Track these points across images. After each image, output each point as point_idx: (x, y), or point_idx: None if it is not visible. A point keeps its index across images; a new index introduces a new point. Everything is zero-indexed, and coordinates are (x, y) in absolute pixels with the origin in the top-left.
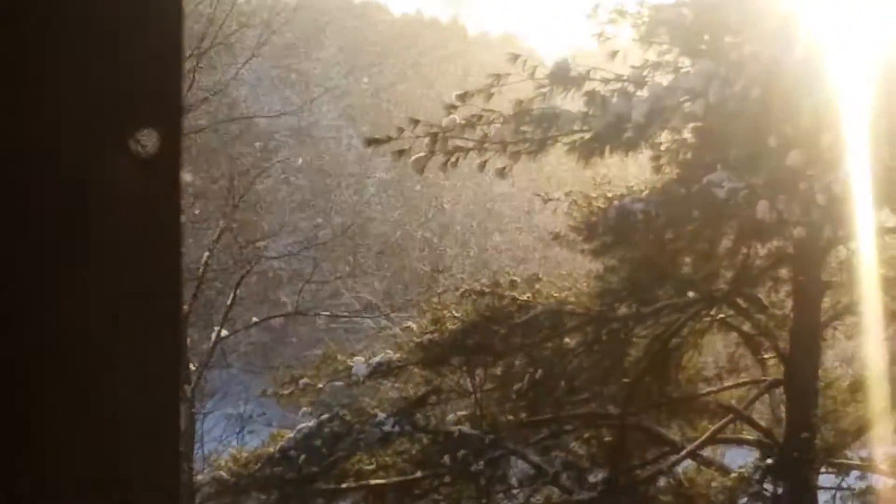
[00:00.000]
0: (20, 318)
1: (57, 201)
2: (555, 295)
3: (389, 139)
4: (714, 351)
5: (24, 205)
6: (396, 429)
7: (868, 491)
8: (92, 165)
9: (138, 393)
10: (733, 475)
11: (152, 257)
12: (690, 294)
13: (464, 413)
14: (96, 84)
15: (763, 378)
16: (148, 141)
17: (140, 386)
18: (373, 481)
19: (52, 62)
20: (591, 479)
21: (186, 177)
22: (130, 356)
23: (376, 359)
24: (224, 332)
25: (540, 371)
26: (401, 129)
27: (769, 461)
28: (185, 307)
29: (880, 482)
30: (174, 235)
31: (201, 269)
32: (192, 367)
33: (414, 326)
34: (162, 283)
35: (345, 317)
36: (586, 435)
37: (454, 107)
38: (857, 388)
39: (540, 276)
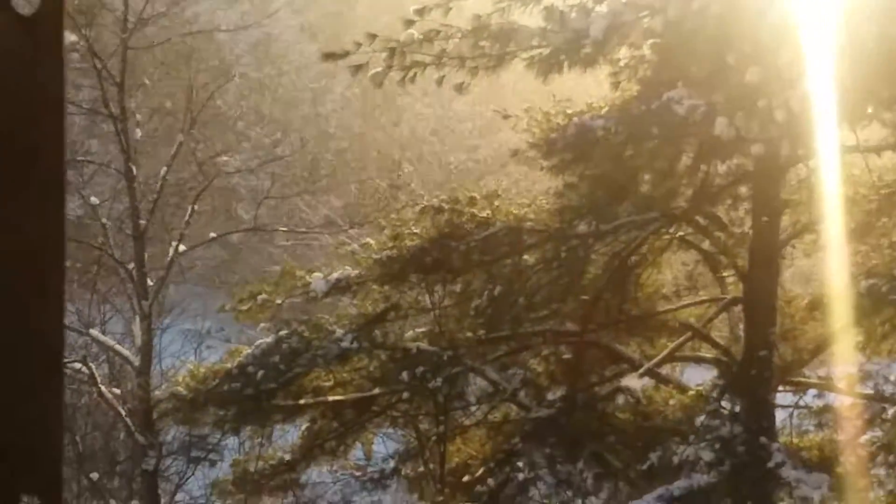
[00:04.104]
0: None
1: None
2: (514, 212)
3: (346, 54)
4: (673, 268)
5: None
6: (355, 345)
7: (825, 409)
8: None
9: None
10: (691, 393)
11: (35, 114)
12: (650, 212)
13: (422, 330)
14: None
15: (722, 296)
16: None
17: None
18: (331, 397)
19: None
20: (550, 396)
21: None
22: (15, 221)
23: (335, 275)
24: (182, 248)
25: (499, 288)
26: (358, 44)
27: (727, 379)
28: (143, 222)
29: (837, 401)
30: (57, 92)
31: (159, 184)
32: (149, 282)
33: (373, 243)
34: (45, 141)
35: (303, 233)
36: (545, 352)
37: (412, 21)
38: (815, 306)
39: (499, 192)
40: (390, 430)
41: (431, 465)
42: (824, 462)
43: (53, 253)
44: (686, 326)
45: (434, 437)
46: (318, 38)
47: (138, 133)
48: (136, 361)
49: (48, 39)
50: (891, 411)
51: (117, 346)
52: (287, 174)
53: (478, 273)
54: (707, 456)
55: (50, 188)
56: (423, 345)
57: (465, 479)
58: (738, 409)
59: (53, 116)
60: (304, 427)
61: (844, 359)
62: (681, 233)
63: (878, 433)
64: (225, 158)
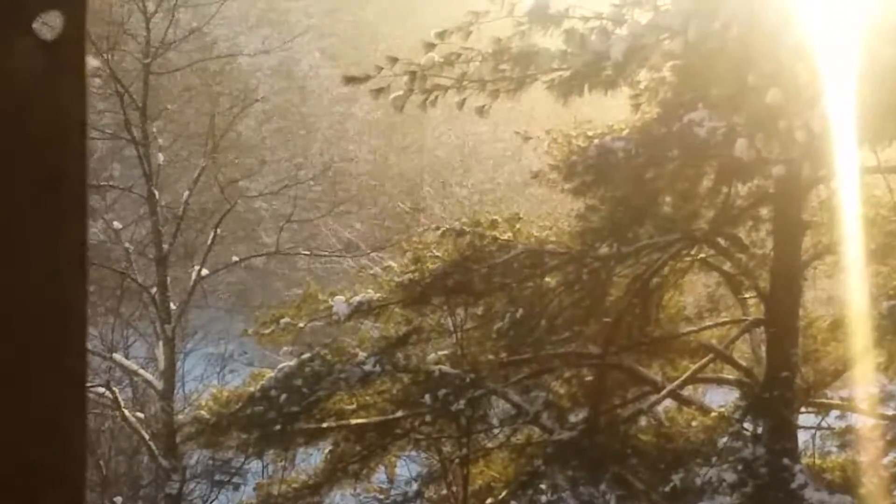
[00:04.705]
0: None
1: None
2: (535, 234)
3: (368, 78)
4: (695, 290)
5: None
6: (377, 368)
7: (848, 431)
8: None
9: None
10: (713, 414)
11: (58, 139)
12: (671, 234)
13: (444, 352)
14: None
15: (744, 318)
16: (51, 23)
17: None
18: (353, 421)
19: None
20: (572, 418)
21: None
22: (37, 244)
23: (357, 298)
24: (205, 272)
25: (520, 310)
26: (379, 68)
27: (749, 401)
28: (166, 247)
29: (860, 422)
30: (79, 116)
31: (182, 209)
32: (172, 306)
33: (394, 266)
34: (67, 163)
35: (325, 256)
36: (567, 374)
37: (433, 45)
38: (837, 327)
39: (520, 215)
40: (413, 453)
41: (454, 488)
42: (847, 483)
43: (76, 275)
44: (708, 348)
45: (457, 460)
46: (339, 63)
47: (161, 158)
48: (160, 385)
49: (70, 63)
50: None
51: (140, 371)
52: (309, 198)
53: (499, 296)
54: (730, 478)
55: (72, 209)
56: (446, 367)
57: (489, 501)
58: (760, 430)
59: (76, 139)
60: (327, 450)
61: (866, 380)
62: (702, 255)
63: None
64: (247, 183)
